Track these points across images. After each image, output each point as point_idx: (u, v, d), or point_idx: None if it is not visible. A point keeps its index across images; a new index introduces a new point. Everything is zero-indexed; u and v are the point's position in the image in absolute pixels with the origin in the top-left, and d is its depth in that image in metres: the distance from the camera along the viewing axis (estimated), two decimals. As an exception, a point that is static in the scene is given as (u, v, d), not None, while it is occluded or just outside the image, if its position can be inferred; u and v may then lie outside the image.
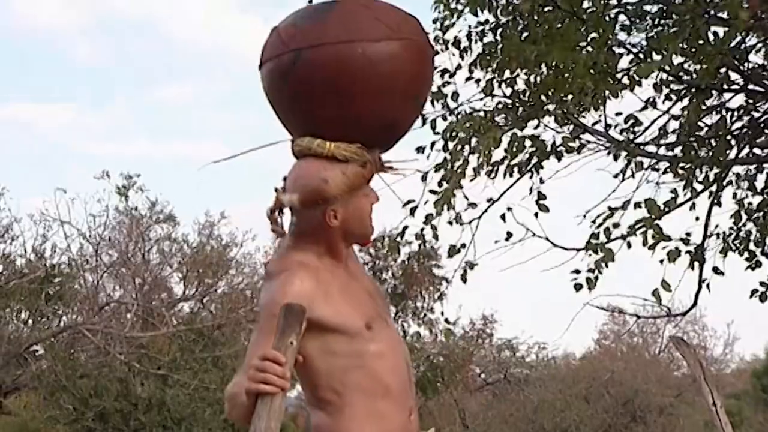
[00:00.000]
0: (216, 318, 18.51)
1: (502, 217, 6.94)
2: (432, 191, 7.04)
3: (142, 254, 19.05)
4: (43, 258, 16.68)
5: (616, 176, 7.08)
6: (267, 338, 2.71)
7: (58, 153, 38.41)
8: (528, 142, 6.87)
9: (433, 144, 7.18)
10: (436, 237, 7.27)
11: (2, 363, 15.14)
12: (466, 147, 6.95)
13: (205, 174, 41.33)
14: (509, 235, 7.01)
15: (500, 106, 7.05)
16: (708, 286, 6.98)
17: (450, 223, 7.07)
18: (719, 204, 7.14)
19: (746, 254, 7.25)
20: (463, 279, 7.15)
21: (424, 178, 7.09)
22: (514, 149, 6.85)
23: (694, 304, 7.21)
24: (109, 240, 18.16)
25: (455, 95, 7.17)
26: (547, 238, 6.96)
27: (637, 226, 6.32)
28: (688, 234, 6.83)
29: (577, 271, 6.75)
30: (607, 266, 6.54)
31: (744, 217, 7.28)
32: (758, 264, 7.26)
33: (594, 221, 6.84)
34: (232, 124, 40.00)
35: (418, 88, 3.06)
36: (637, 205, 6.43)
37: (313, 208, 2.89)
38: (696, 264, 6.86)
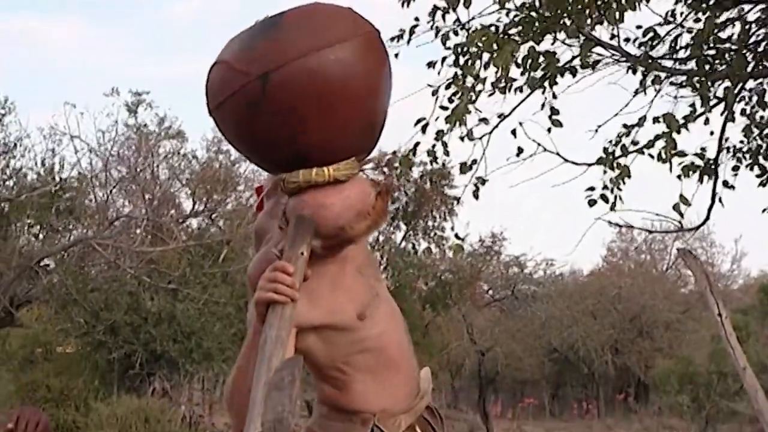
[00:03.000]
0: (224, 233, 18.54)
1: (513, 132, 6.87)
2: (443, 107, 6.97)
3: (151, 170, 19.02)
4: (53, 172, 16.66)
5: (637, 92, 6.97)
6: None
7: (66, 67, 38.29)
8: (542, 58, 6.76)
9: (444, 59, 7.08)
10: (447, 153, 7.21)
11: (14, 276, 15.22)
12: (478, 62, 6.86)
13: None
14: (520, 150, 6.96)
15: (517, 18, 6.90)
16: (720, 200, 6.93)
17: (462, 138, 7.00)
18: (733, 119, 7.05)
19: (757, 169, 7.18)
20: (475, 195, 7.09)
21: (434, 94, 7.01)
22: (529, 65, 6.73)
23: (707, 218, 7.15)
24: (118, 155, 18.14)
25: (467, 2, 6.96)
26: (558, 154, 6.90)
27: (655, 141, 6.25)
28: (703, 149, 6.77)
29: (592, 188, 6.71)
30: (624, 183, 6.51)
31: (755, 131, 7.20)
32: None
33: (611, 141, 6.77)
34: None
35: (388, 82, 2.87)
36: (656, 119, 6.36)
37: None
38: (707, 178, 6.81)
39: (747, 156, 7.19)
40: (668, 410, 21.88)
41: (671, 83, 6.90)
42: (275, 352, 2.55)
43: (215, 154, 19.94)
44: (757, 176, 7.22)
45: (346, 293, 2.84)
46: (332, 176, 2.73)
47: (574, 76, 6.92)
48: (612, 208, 6.66)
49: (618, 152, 6.64)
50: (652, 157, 6.42)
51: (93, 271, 17.08)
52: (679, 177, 6.33)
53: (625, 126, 6.75)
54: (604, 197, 6.65)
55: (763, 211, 7.14)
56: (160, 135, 18.94)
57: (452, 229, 19.86)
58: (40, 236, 17.39)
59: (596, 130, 6.99)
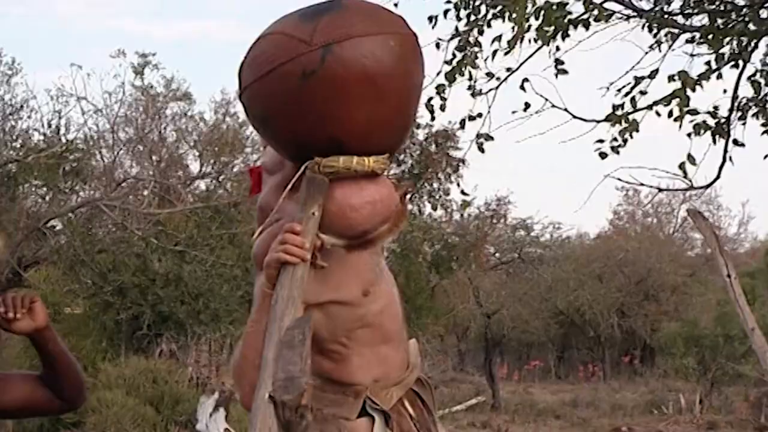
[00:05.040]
0: (232, 196, 18.54)
1: (522, 86, 6.81)
2: (447, 62, 6.91)
3: (159, 131, 19.00)
4: (60, 134, 16.64)
5: (652, 46, 6.89)
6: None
7: (73, 28, 38.19)
8: (555, 10, 6.67)
9: (446, 12, 7.01)
10: (443, 108, 7.10)
11: (21, 237, 15.25)
12: (483, 11, 6.79)
13: (220, 52, 41.06)
14: (527, 105, 6.90)
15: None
16: (731, 159, 6.85)
17: (469, 90, 6.94)
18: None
19: (761, 118, 7.06)
20: (480, 149, 7.04)
21: (438, 47, 6.95)
22: (542, 17, 6.64)
23: (718, 176, 7.06)
24: (125, 117, 18.11)
25: None
26: (566, 109, 6.84)
27: (671, 98, 6.20)
28: (715, 107, 6.71)
29: (601, 141, 6.67)
30: (631, 136, 6.47)
31: (763, 82, 7.07)
32: None
33: (620, 90, 6.70)
34: (248, 2, 39.56)
35: (421, 87, 2.84)
36: (671, 77, 6.29)
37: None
38: (719, 137, 6.75)
39: (754, 107, 7.07)
40: (674, 373, 21.97)
41: (687, 40, 6.81)
42: (287, 312, 2.56)
43: (223, 116, 19.90)
44: (762, 125, 7.12)
45: (352, 270, 2.83)
46: (371, 168, 2.68)
47: (587, 28, 6.82)
48: (617, 153, 6.57)
49: (627, 104, 6.57)
50: (659, 114, 6.37)
51: (100, 233, 17.10)
52: (689, 135, 6.30)
53: (635, 78, 6.67)
54: (614, 149, 6.60)
55: (765, 157, 7.02)
56: (167, 97, 18.89)
57: (458, 185, 19.76)
58: (47, 198, 17.40)
59: (608, 88, 6.93)
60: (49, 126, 16.51)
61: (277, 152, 2.88)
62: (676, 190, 8.99)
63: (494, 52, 6.83)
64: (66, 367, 2.81)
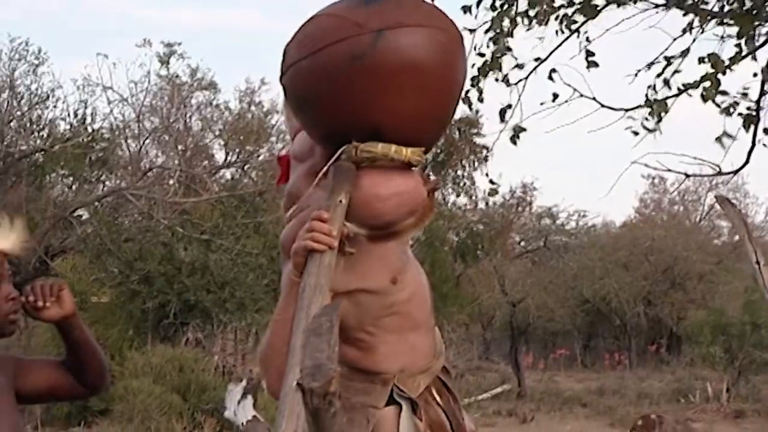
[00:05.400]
0: (257, 185, 18.59)
1: (550, 76, 6.77)
2: (480, 54, 6.89)
3: (184, 121, 19.08)
4: (86, 123, 16.73)
5: (684, 31, 6.82)
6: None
7: (99, 18, 38.30)
8: None
9: (479, 2, 6.98)
10: (481, 100, 7.13)
11: (48, 226, 15.34)
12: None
13: (245, 42, 41.12)
14: (555, 96, 6.87)
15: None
16: (763, 144, 6.77)
17: (497, 80, 6.91)
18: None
19: None
20: (513, 141, 7.01)
21: (472, 32, 6.91)
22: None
23: (747, 161, 7.00)
24: (150, 106, 18.20)
25: None
26: (594, 99, 6.80)
27: (701, 82, 6.14)
28: (746, 88, 6.64)
29: (632, 118, 6.62)
30: (661, 118, 6.42)
31: None
32: None
33: (649, 67, 6.64)
34: (271, -9, 39.56)
35: (463, 87, 2.83)
36: (701, 60, 6.24)
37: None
38: (750, 124, 6.68)
39: None
40: (701, 361, 21.83)
41: (717, 23, 6.72)
42: (314, 300, 2.55)
43: (248, 105, 19.96)
44: None
45: (380, 258, 2.83)
46: (408, 158, 2.67)
47: (619, 6, 6.73)
48: (652, 131, 6.52)
49: (660, 85, 6.50)
50: (690, 94, 6.31)
51: (127, 222, 17.20)
52: (721, 113, 6.23)
53: (666, 59, 6.60)
54: (645, 127, 6.55)
55: None
56: (193, 86, 18.97)
57: (486, 175, 19.70)
58: (74, 187, 17.51)
59: (635, 75, 6.88)
60: (75, 116, 16.62)
61: (311, 136, 2.86)
62: (705, 175, 8.90)
63: (530, 21, 6.76)
64: (90, 355, 2.83)
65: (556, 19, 6.90)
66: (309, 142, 2.97)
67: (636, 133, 6.60)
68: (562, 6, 6.77)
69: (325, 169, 2.70)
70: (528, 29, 6.87)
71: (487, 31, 6.87)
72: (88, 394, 2.89)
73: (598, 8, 6.72)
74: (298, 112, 2.81)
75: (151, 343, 15.90)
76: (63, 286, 2.75)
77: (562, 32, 6.89)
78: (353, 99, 2.59)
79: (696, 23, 6.69)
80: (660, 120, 6.52)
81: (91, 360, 2.83)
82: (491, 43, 6.80)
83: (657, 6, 6.85)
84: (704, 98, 6.17)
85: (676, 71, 6.49)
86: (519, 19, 6.80)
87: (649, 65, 6.79)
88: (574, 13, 6.75)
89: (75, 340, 2.80)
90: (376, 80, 2.57)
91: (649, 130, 6.56)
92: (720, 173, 6.76)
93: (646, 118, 6.53)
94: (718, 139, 6.14)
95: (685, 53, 6.54)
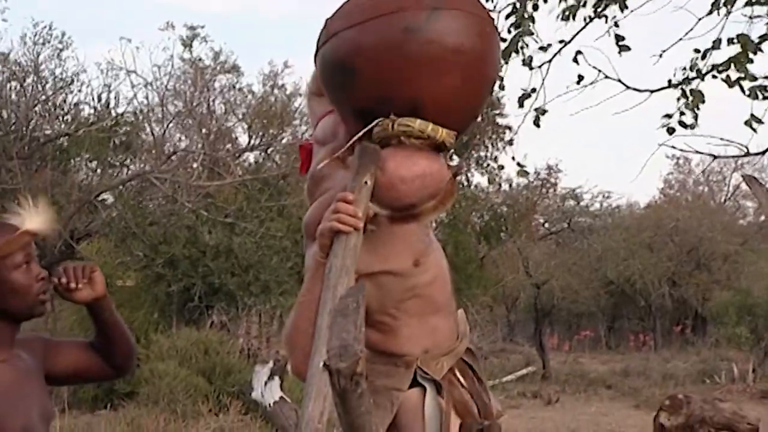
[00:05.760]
0: (280, 168, 18.61)
1: (575, 59, 6.72)
2: (502, 39, 6.85)
3: (207, 104, 19.10)
4: (110, 107, 16.78)
5: (710, 12, 6.75)
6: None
7: (122, 2, 38.35)
8: None
9: None
10: (502, 87, 7.10)
11: (74, 210, 15.41)
12: None
13: (268, 25, 41.12)
14: (580, 78, 6.82)
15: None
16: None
17: (523, 63, 6.86)
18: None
19: None
20: (536, 123, 6.97)
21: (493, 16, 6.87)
22: None
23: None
24: (174, 90, 18.22)
25: None
26: (620, 80, 6.75)
27: (729, 64, 6.08)
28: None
29: (669, 116, 6.56)
30: (698, 108, 6.36)
31: None
32: None
33: (684, 69, 6.58)
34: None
35: (495, 81, 2.90)
36: (730, 41, 6.17)
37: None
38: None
39: None
40: (726, 342, 21.78)
41: (746, 2, 6.64)
42: (340, 281, 2.55)
43: (271, 88, 19.96)
44: None
45: (402, 241, 2.84)
46: (443, 138, 2.68)
47: None
48: (691, 128, 6.46)
49: (693, 75, 6.45)
50: (725, 81, 6.25)
51: (151, 205, 17.24)
52: (748, 96, 6.17)
53: (696, 51, 6.55)
54: (682, 123, 6.49)
55: None
56: (216, 69, 18.98)
57: (513, 158, 19.63)
58: (98, 171, 17.57)
59: (660, 55, 6.81)
60: (99, 100, 16.66)
61: (342, 110, 2.83)
62: (732, 156, 8.84)
63: (532, 17, 6.74)
64: (119, 336, 2.85)
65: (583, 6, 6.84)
66: (332, 125, 2.97)
67: (672, 130, 6.54)
68: None
69: (355, 138, 2.70)
70: (566, 18, 6.79)
71: (508, 16, 6.82)
72: (115, 376, 2.91)
73: None
74: (335, 83, 2.77)
75: (176, 326, 15.98)
76: (95, 267, 2.77)
77: (590, 18, 6.84)
78: (399, 71, 2.60)
79: (722, 3, 6.62)
80: (697, 112, 6.45)
81: (120, 341, 2.85)
82: (512, 28, 6.76)
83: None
84: (730, 81, 6.11)
85: (715, 66, 6.41)
86: (544, 9, 6.73)
87: (664, 51, 6.72)
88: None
89: (105, 321, 2.82)
90: (425, 55, 2.58)
91: (686, 126, 6.50)
92: (747, 154, 6.70)
93: (682, 113, 6.47)
94: (747, 123, 6.07)
95: (716, 44, 6.46)
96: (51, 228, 2.68)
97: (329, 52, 2.71)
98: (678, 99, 6.49)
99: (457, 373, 3.01)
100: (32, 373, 2.69)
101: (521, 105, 6.97)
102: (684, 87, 6.47)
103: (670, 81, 6.65)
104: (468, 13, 2.64)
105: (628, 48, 6.66)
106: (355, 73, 2.65)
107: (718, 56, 6.39)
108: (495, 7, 6.87)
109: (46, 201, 2.71)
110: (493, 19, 2.76)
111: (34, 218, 2.65)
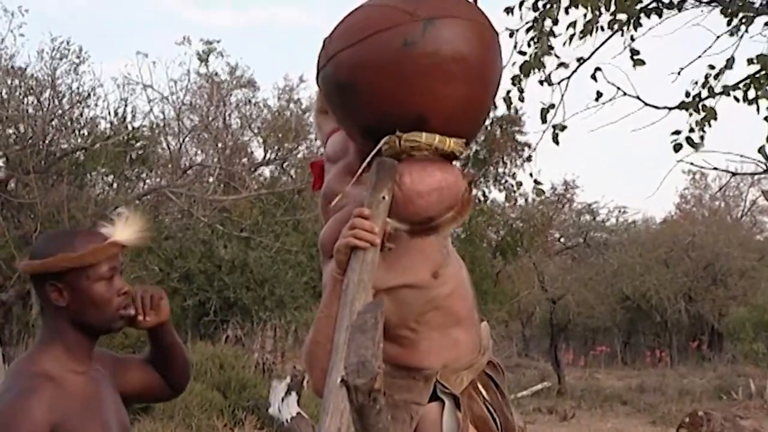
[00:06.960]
0: (296, 182, 18.63)
1: (593, 76, 6.72)
2: (521, 52, 6.85)
3: (223, 119, 19.15)
4: (126, 122, 16.81)
5: (731, 33, 6.75)
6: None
7: (138, 17, 38.59)
8: None
9: (521, 3, 6.95)
10: (522, 99, 7.09)
11: (90, 224, 15.43)
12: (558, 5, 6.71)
13: (283, 39, 41.26)
14: (599, 94, 6.81)
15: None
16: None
17: (540, 83, 6.88)
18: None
19: None
20: (555, 140, 6.96)
21: (512, 35, 6.88)
22: (615, 5, 6.53)
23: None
24: (190, 104, 18.27)
25: None
26: (638, 97, 6.74)
27: (750, 84, 6.08)
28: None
29: (677, 132, 6.56)
30: (710, 125, 6.35)
31: None
32: None
33: (696, 83, 6.59)
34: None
35: (499, 83, 2.85)
36: (750, 61, 6.17)
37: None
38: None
39: None
40: (743, 358, 21.71)
41: (766, 23, 6.64)
42: (358, 296, 2.54)
43: (287, 102, 20.02)
44: None
45: (420, 253, 2.81)
46: (451, 148, 2.67)
47: (660, 16, 6.72)
48: (695, 148, 6.47)
49: (705, 94, 6.46)
50: (737, 99, 6.26)
51: (167, 220, 17.28)
52: (766, 119, 6.17)
53: (711, 67, 6.55)
54: (689, 140, 6.49)
55: None
56: (232, 84, 19.04)
57: (531, 175, 19.58)
58: (114, 185, 17.60)
59: (679, 73, 6.81)
60: (116, 114, 16.67)
61: (349, 130, 2.84)
62: (751, 174, 8.82)
63: (571, 37, 6.74)
64: (180, 357, 2.79)
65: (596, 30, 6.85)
66: (342, 142, 2.97)
67: (679, 147, 6.53)
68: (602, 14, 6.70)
69: (366, 161, 2.69)
70: (582, 37, 6.79)
71: (528, 30, 6.82)
72: (173, 396, 2.84)
73: (643, 10, 6.64)
74: (338, 103, 2.78)
75: (191, 340, 15.97)
76: (162, 294, 2.69)
77: (608, 28, 6.83)
78: (400, 86, 2.59)
79: (740, 23, 6.61)
80: (706, 130, 6.44)
81: (180, 362, 2.79)
82: (532, 43, 6.76)
83: (700, 2, 6.77)
84: (748, 100, 6.10)
85: (729, 86, 6.41)
86: (563, 25, 6.73)
87: (684, 71, 6.74)
88: (627, 21, 6.68)
89: (167, 343, 2.75)
90: (425, 68, 2.57)
91: (693, 145, 6.49)
92: (766, 171, 6.69)
93: (692, 129, 6.47)
94: (761, 150, 6.07)
95: (730, 63, 6.46)
96: (141, 241, 2.63)
97: (330, 73, 2.72)
98: (690, 114, 6.49)
99: (480, 387, 2.99)
100: (109, 386, 2.66)
101: (544, 120, 6.97)
102: (696, 103, 6.47)
103: (687, 93, 6.65)
104: (465, 20, 2.63)
105: (642, 62, 6.66)
106: (356, 92, 2.65)
107: (731, 75, 6.37)
108: (521, 17, 6.89)
109: (141, 215, 2.66)
110: (489, 23, 2.72)
111: (124, 230, 2.61)
